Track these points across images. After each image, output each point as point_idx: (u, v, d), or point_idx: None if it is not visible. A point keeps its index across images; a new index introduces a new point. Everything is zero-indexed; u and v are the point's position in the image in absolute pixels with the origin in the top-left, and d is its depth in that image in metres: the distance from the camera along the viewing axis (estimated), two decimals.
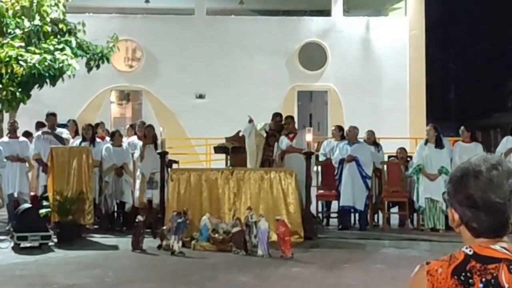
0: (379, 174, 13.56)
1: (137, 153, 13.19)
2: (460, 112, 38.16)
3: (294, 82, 25.10)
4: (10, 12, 14.77)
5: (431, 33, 29.14)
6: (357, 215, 13.51)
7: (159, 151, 12.41)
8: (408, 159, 13.98)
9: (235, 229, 10.65)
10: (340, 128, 14.31)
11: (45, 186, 12.71)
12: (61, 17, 15.55)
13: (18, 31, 14.81)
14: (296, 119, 15.45)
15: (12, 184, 12.97)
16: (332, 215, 14.02)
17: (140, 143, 13.25)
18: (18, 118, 14.61)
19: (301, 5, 27.17)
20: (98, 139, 13.50)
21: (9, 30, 14.78)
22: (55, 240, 11.34)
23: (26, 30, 14.93)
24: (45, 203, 11.80)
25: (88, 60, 16.09)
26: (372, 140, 14.06)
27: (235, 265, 9.79)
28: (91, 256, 10.54)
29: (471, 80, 38.11)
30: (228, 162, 12.97)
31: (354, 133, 13.54)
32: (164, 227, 10.95)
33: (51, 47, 14.85)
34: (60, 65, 14.70)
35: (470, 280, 2.12)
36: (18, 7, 14.83)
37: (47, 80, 14.89)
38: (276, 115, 13.86)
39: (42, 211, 11.48)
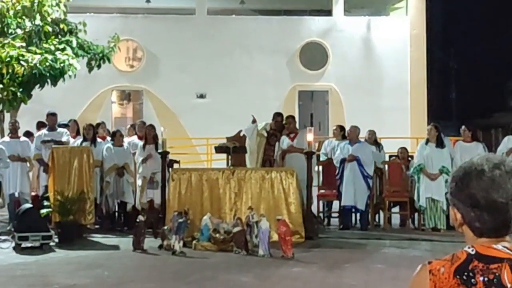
0: (380, 174, 13.55)
1: (137, 153, 13.18)
2: (461, 111, 38.14)
3: (295, 81, 25.11)
4: (11, 12, 14.77)
5: (432, 33, 29.15)
6: (358, 215, 13.50)
7: (160, 151, 12.40)
8: (409, 158, 13.97)
9: (236, 229, 10.65)
10: (341, 128, 14.31)
11: (46, 186, 12.70)
12: (62, 17, 15.56)
13: (19, 31, 14.83)
14: (297, 119, 15.41)
15: (13, 184, 12.96)
16: (333, 215, 14.02)
17: (141, 143, 13.25)
18: (19, 118, 14.61)
19: (302, 4, 27.16)
20: (99, 139, 13.49)
21: (10, 30, 14.79)
22: (56, 240, 11.35)
23: (27, 30, 14.95)
24: (46, 203, 11.80)
25: (89, 60, 16.10)
26: (373, 140, 14.06)
27: (236, 265, 9.79)
28: (92, 256, 10.54)
29: (472, 79, 38.08)
30: (229, 162, 12.97)
31: (355, 133, 13.53)
32: (165, 227, 10.95)
33: (52, 47, 14.86)
34: (61, 65, 14.70)
35: (473, 280, 2.12)
36: (19, 7, 14.84)
37: (48, 80, 14.89)
38: (277, 115, 13.85)
39: (43, 211, 11.47)
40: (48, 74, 14.65)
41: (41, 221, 11.24)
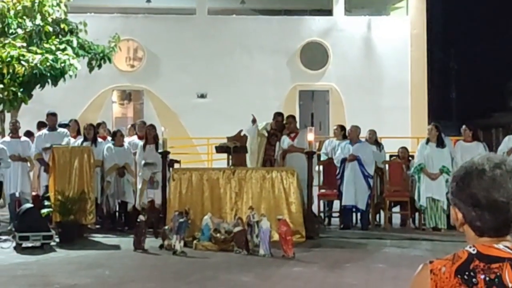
0: (381, 173, 13.56)
1: (138, 153, 13.18)
2: (461, 111, 38.14)
3: (295, 81, 25.10)
4: (12, 12, 14.79)
5: (432, 33, 29.14)
6: (358, 214, 13.50)
7: (160, 150, 12.41)
8: (410, 158, 13.97)
9: (236, 229, 10.65)
10: (341, 128, 14.31)
11: (47, 186, 12.71)
12: (63, 17, 15.57)
13: (20, 31, 14.84)
14: (297, 119, 15.41)
15: (14, 184, 12.98)
16: (333, 214, 14.02)
17: (141, 142, 13.25)
18: (20, 118, 14.63)
19: (303, 4, 27.16)
20: (99, 139, 13.50)
21: (11, 30, 14.80)
22: (57, 240, 11.35)
23: (27, 30, 14.96)
24: (46, 203, 11.80)
25: (90, 60, 16.10)
26: (374, 140, 14.06)
27: (236, 264, 9.79)
28: (92, 256, 10.54)
29: (472, 79, 38.08)
30: (230, 161, 12.97)
31: (355, 133, 13.54)
32: (166, 227, 10.96)
33: (53, 47, 14.87)
34: (62, 65, 14.71)
35: (474, 279, 2.12)
36: (19, 7, 14.86)
37: (49, 80, 14.90)
38: (278, 115, 13.86)
39: (44, 211, 11.47)
40: (48, 74, 14.66)
41: (41, 221, 11.24)
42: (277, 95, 24.29)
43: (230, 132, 13.52)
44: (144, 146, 13.07)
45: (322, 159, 14.03)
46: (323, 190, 13.72)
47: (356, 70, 24.83)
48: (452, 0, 36.71)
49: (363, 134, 14.11)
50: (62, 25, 15.49)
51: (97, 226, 13.01)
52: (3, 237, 11.68)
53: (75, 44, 15.42)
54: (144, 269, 9.77)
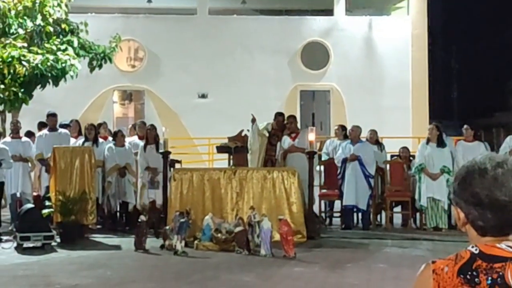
0: (382, 173, 13.55)
1: (139, 154, 13.17)
2: (462, 111, 38.14)
3: (296, 81, 25.11)
4: (13, 12, 14.79)
5: (434, 32, 29.13)
6: (360, 214, 13.49)
7: (161, 151, 12.40)
8: (411, 158, 13.97)
9: (237, 229, 10.64)
10: (342, 128, 14.30)
11: (48, 186, 12.70)
12: (64, 17, 15.58)
13: (20, 31, 14.84)
14: (298, 119, 15.44)
15: (15, 184, 12.97)
16: (335, 214, 14.01)
17: (141, 143, 13.25)
18: (21, 118, 14.63)
19: (304, 4, 27.16)
20: (100, 139, 13.49)
21: (11, 31, 14.80)
22: (58, 240, 11.36)
23: (28, 30, 14.96)
24: (47, 203, 11.80)
25: (91, 60, 16.11)
26: (375, 140, 14.06)
27: (237, 264, 9.79)
28: (93, 256, 10.54)
29: (473, 79, 38.09)
30: (231, 161, 12.97)
31: (356, 133, 13.53)
32: (167, 227, 10.95)
33: (54, 47, 14.88)
34: (63, 65, 14.72)
35: (476, 279, 2.11)
36: (20, 7, 14.86)
37: (50, 80, 14.91)
38: (279, 115, 13.86)
39: (45, 211, 11.47)
40: (49, 74, 14.67)
41: (42, 221, 11.24)
42: (278, 95, 24.30)
43: (231, 132, 13.53)
44: (144, 147, 13.05)
45: (323, 159, 14.02)
46: (324, 190, 13.71)
47: (357, 70, 24.84)
48: None
49: (364, 134, 14.10)
50: (63, 25, 15.50)
51: (98, 226, 13.02)
52: (4, 238, 11.68)
53: (76, 44, 15.43)
54: (145, 269, 9.77)
